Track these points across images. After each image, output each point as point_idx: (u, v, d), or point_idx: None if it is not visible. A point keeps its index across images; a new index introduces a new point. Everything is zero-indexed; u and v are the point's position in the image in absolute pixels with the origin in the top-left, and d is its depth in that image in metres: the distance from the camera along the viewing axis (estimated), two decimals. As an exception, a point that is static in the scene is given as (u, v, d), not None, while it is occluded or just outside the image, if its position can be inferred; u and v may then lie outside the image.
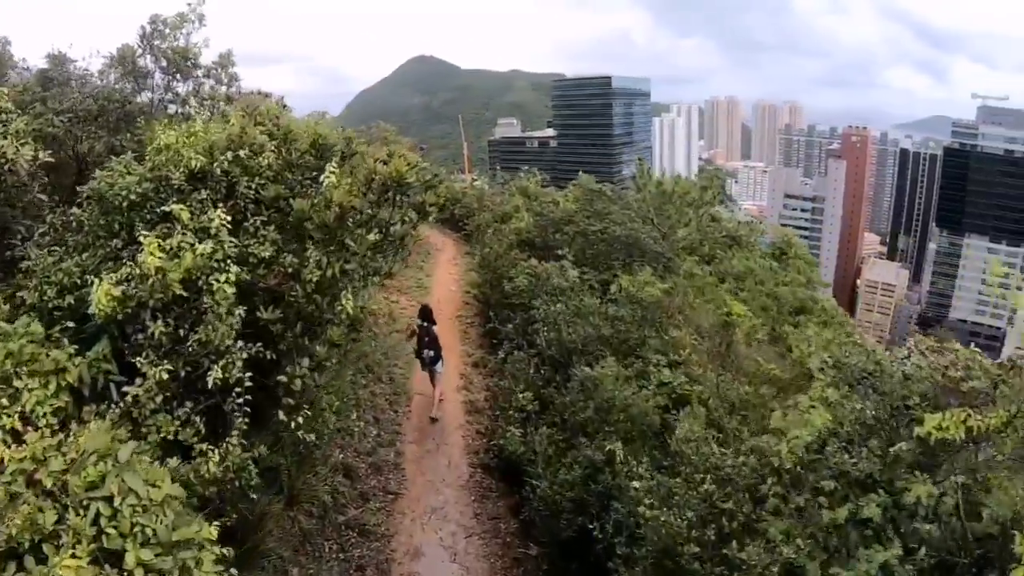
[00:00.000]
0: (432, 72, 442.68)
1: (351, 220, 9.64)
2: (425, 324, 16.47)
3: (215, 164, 9.27)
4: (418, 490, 14.17)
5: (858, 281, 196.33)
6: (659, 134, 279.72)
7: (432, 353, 16.24)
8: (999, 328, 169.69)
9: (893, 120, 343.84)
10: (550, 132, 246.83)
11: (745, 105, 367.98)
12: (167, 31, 13.69)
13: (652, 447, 10.89)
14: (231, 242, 8.44)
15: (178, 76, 14.17)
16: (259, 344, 8.22)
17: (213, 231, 8.33)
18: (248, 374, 7.92)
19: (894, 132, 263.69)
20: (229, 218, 8.55)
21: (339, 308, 9.22)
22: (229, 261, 8.24)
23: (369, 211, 10.21)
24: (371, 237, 9.92)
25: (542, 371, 15.34)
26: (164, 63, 13.92)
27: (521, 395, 14.16)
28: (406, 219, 11.37)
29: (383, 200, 10.66)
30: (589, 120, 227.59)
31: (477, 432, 16.40)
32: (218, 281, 7.92)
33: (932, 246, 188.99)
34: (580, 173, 36.95)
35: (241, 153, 9.45)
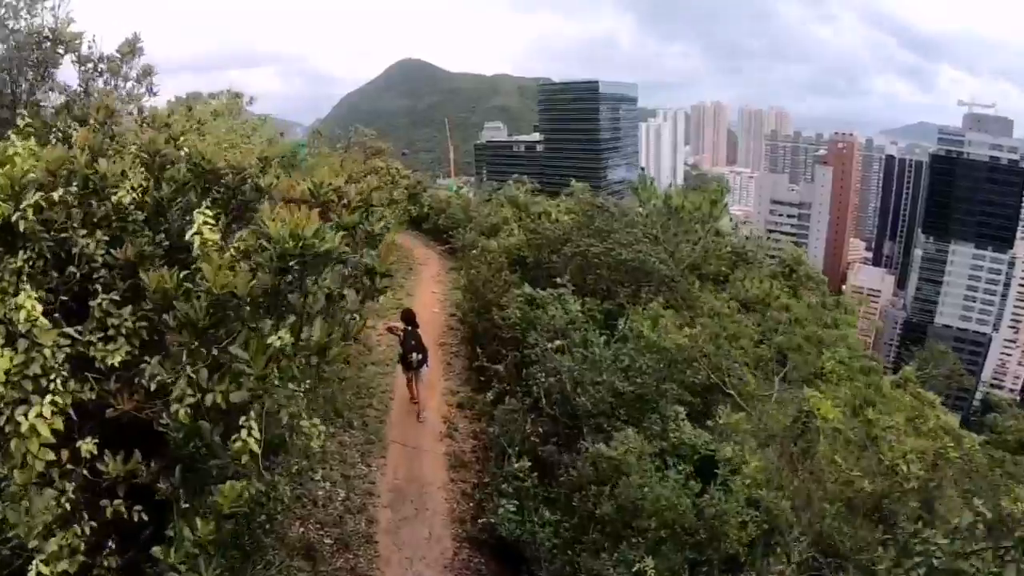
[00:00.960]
0: (418, 75, 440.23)
1: (239, 311, 6.28)
2: (409, 328, 16.03)
3: (16, 214, 5.98)
4: (393, 572, 11.67)
5: (844, 287, 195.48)
6: (645, 139, 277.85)
7: (419, 356, 15.77)
8: (984, 334, 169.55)
9: (877, 126, 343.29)
10: (537, 137, 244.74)
11: (731, 110, 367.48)
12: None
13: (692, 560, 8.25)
14: (59, 343, 5.49)
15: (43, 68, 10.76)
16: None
17: (23, 327, 5.30)
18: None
19: (879, 138, 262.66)
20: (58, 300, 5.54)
21: (237, 446, 5.76)
22: (55, 375, 5.32)
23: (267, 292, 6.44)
24: (276, 339, 6.09)
25: (540, 427, 12.78)
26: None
27: (516, 461, 11.50)
28: (340, 296, 7.56)
29: (293, 272, 6.49)
30: (576, 125, 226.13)
31: (463, 494, 13.86)
32: (26, 417, 4.94)
33: (918, 252, 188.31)
34: (572, 181, 34.68)
35: (72, 190, 6.47)
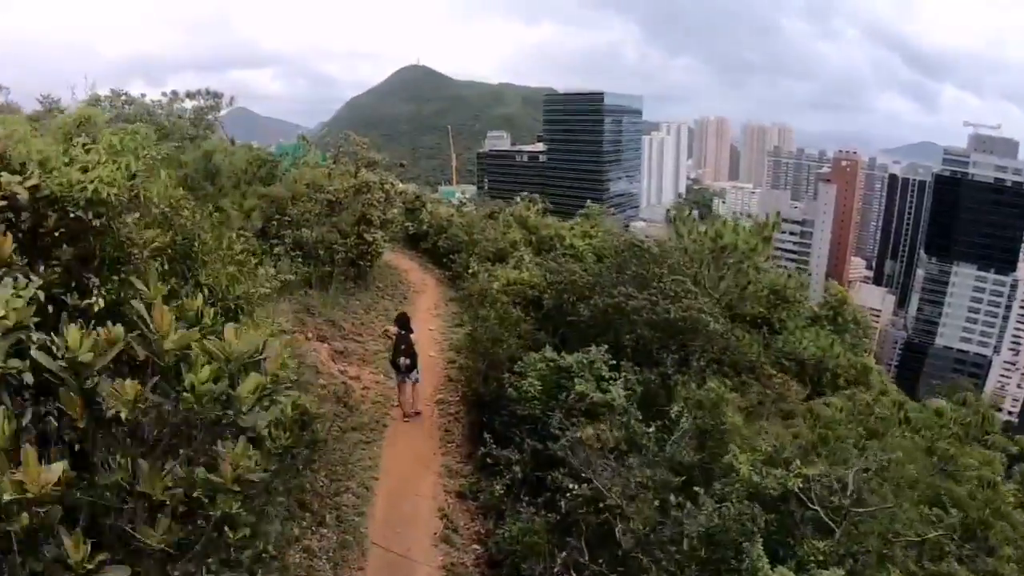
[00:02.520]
0: (423, 81, 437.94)
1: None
2: (403, 332, 15.72)
3: None
4: None
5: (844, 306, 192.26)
6: (648, 152, 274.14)
7: (408, 361, 15.39)
8: (985, 356, 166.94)
9: (880, 145, 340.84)
10: (540, 146, 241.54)
11: (734, 125, 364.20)
12: None
13: None
14: None
15: None
16: None
17: None
18: None
19: (881, 157, 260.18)
20: None
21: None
22: None
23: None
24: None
25: (571, 563, 9.14)
26: None
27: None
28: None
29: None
30: (580, 136, 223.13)
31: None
32: None
33: (920, 272, 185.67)
34: (588, 202, 31.26)
35: None
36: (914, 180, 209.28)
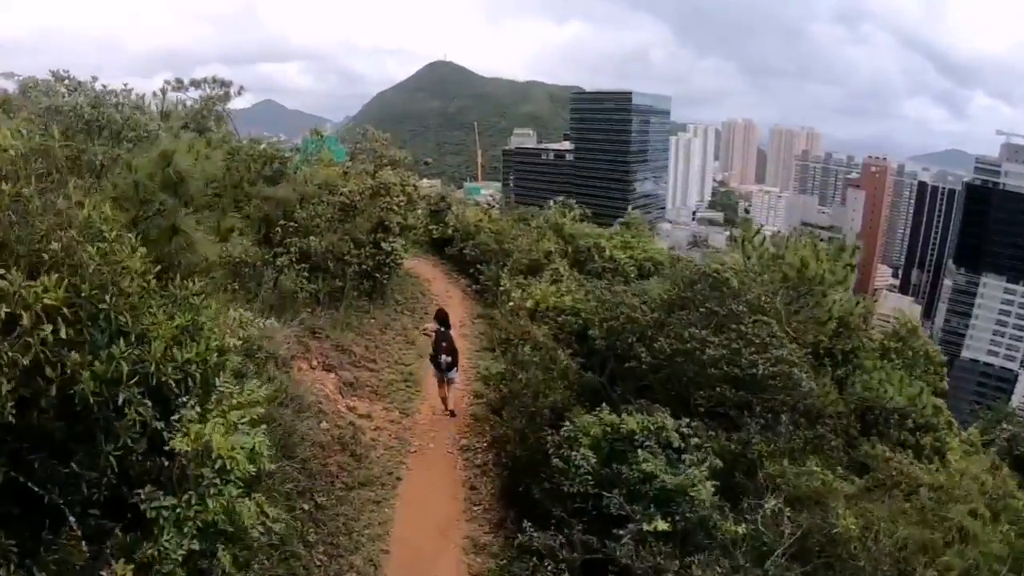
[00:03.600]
0: (450, 78, 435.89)
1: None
2: (442, 329, 15.37)
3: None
4: None
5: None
6: (674, 154, 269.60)
7: (448, 359, 15.01)
8: (1011, 371, 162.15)
9: (907, 151, 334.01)
10: (567, 145, 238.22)
11: (761, 128, 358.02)
12: None
13: None
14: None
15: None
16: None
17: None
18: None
19: (910, 164, 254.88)
20: None
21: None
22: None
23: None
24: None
25: None
26: None
27: None
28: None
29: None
30: (607, 135, 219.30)
31: None
32: None
33: (948, 282, 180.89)
34: (629, 209, 28.46)
35: None
36: (943, 188, 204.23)
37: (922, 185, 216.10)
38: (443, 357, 14.84)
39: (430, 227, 28.95)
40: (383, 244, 18.93)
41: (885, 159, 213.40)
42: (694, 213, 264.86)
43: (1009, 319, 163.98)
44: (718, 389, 10.54)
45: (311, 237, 17.50)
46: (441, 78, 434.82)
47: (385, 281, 19.74)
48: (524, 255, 22.98)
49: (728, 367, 10.61)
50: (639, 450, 9.23)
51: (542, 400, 11.01)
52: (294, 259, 16.94)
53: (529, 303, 18.83)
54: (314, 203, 18.77)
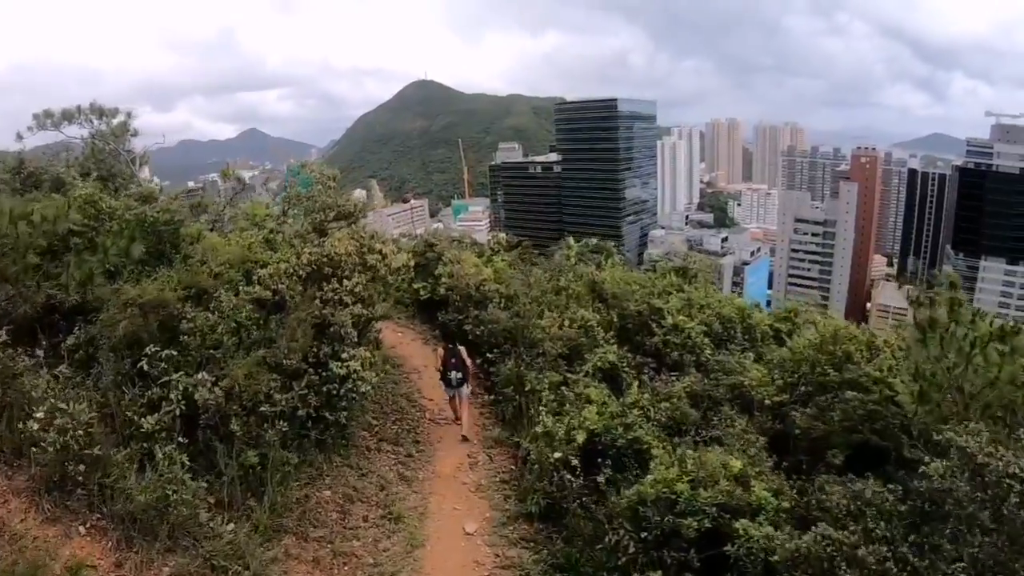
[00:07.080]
0: (432, 96, 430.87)
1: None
2: (451, 346, 14.43)
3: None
4: None
5: (868, 304, 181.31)
6: (660, 157, 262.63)
7: (460, 375, 14.02)
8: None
9: (890, 139, 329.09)
10: (553, 156, 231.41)
11: (745, 126, 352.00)
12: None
13: None
14: None
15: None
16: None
17: None
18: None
19: (896, 152, 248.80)
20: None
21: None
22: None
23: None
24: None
25: None
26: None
27: None
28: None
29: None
30: (594, 144, 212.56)
31: None
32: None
33: (947, 268, 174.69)
34: (686, 251, 20.57)
35: None
36: (934, 174, 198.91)
37: (912, 172, 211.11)
38: (453, 373, 14.03)
39: (416, 287, 20.75)
40: (333, 365, 10.94)
41: (875, 149, 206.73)
42: (687, 217, 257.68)
43: (1011, 300, 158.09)
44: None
45: (202, 373, 9.48)
46: (423, 97, 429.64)
47: (344, 418, 11.53)
48: (556, 341, 14.98)
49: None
50: None
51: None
52: (177, 425, 8.97)
53: (580, 437, 11.34)
54: (215, 299, 10.99)
